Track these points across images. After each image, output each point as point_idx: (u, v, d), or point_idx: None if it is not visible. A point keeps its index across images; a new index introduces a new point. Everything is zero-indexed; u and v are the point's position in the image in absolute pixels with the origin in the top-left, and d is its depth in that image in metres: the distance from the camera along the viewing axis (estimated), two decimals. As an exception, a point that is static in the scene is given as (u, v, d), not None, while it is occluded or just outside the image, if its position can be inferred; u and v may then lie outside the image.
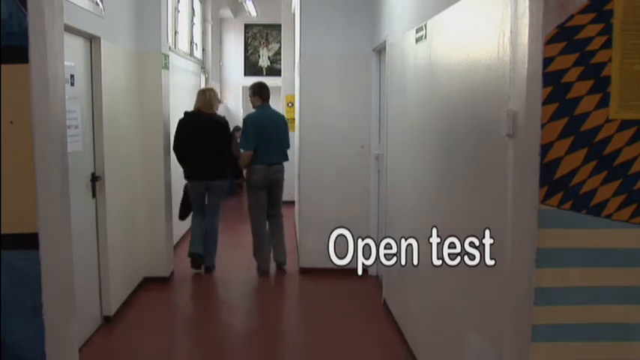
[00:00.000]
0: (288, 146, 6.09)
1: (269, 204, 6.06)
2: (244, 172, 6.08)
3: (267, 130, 5.88)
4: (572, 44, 1.92)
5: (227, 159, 6.00)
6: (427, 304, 3.62)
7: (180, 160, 5.89)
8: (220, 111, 6.51)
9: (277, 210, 6.15)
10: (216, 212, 6.08)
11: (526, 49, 2.03)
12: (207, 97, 5.95)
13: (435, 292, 3.43)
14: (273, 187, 6.00)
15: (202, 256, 6.01)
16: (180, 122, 5.86)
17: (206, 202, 6.05)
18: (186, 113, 5.96)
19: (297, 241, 6.88)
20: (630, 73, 1.93)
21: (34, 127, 1.81)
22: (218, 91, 9.51)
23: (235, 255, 6.62)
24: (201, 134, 5.80)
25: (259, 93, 6.00)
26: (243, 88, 11.88)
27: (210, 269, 6.10)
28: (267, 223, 6.12)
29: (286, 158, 6.08)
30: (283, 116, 6.44)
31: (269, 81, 11.08)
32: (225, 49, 11.89)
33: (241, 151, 5.98)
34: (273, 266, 6.16)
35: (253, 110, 6.10)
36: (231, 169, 6.22)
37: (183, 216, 6.17)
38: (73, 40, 4.05)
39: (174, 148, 5.82)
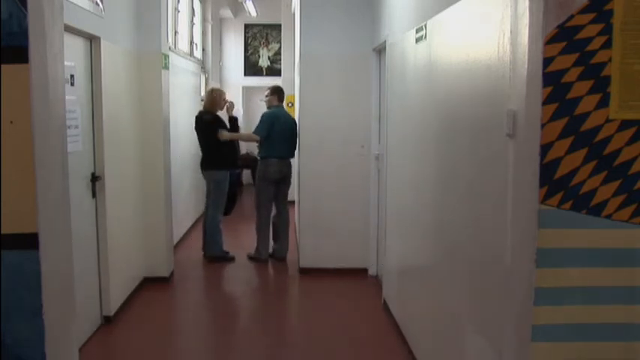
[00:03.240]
0: (296, 145, 6.47)
1: (277, 199, 6.52)
2: (259, 164, 6.49)
3: (281, 126, 6.33)
4: (572, 44, 1.92)
5: (212, 153, 6.34)
6: (427, 304, 3.62)
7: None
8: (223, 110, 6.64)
9: (284, 206, 6.58)
10: (209, 204, 6.42)
11: (526, 49, 2.03)
12: (212, 97, 6.51)
13: (435, 291, 3.43)
14: (283, 180, 6.47)
15: (224, 257, 6.54)
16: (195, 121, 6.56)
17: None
18: (199, 112, 6.66)
19: (297, 241, 6.88)
20: (630, 73, 1.93)
21: (34, 127, 1.81)
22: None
23: (235, 255, 6.62)
24: (197, 131, 6.45)
25: (277, 94, 6.54)
26: (244, 88, 11.88)
27: (207, 257, 6.54)
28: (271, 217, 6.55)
29: (293, 155, 6.51)
30: (294, 118, 6.78)
31: (269, 81, 11.07)
32: (225, 49, 11.88)
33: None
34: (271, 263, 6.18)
35: (269, 109, 6.54)
36: (229, 160, 6.51)
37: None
38: (73, 40, 4.05)
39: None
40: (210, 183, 6.38)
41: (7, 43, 1.77)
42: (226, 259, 6.50)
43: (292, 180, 6.65)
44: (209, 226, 6.42)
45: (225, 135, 6.27)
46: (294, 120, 6.64)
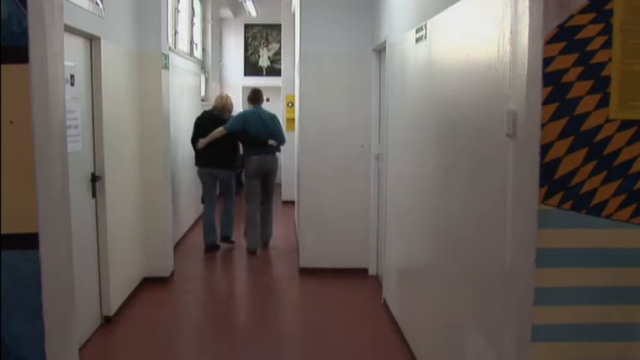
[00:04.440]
0: (281, 140, 6.81)
1: (263, 193, 6.82)
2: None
3: (255, 123, 6.60)
4: (572, 44, 1.92)
5: (231, 151, 6.80)
6: (427, 304, 3.63)
7: (194, 149, 6.81)
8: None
9: (269, 199, 6.92)
10: (229, 198, 6.94)
11: (526, 49, 2.03)
12: (225, 101, 6.97)
13: (435, 291, 3.43)
14: (267, 176, 6.75)
15: (217, 246, 6.87)
16: (198, 118, 6.92)
17: (218, 191, 6.97)
18: (203, 111, 7.11)
19: (297, 241, 6.88)
20: (630, 73, 1.93)
21: (34, 127, 1.81)
22: (219, 91, 9.76)
23: (235, 255, 6.62)
24: (212, 129, 6.62)
25: (249, 97, 6.92)
26: (243, 88, 11.87)
27: (227, 239, 6.98)
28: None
29: (276, 149, 6.78)
30: (274, 114, 6.97)
31: (269, 81, 11.05)
32: (225, 49, 11.88)
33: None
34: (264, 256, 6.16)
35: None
36: (234, 160, 6.96)
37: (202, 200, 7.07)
38: (73, 40, 4.05)
39: (191, 140, 6.79)
40: (227, 178, 6.75)
41: (7, 43, 1.76)
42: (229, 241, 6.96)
43: (293, 180, 6.66)
44: (231, 215, 6.91)
45: (201, 142, 6.61)
46: (272, 116, 6.80)
